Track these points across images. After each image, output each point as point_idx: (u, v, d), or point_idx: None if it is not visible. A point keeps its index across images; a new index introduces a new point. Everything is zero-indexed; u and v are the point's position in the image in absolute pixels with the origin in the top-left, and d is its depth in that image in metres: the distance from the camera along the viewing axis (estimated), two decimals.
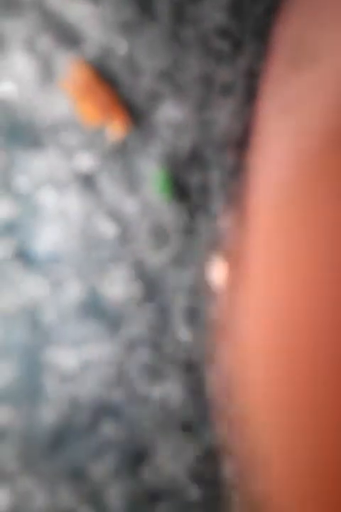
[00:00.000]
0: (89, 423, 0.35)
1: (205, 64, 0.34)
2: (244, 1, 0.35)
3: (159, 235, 0.34)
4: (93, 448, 0.35)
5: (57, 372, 0.34)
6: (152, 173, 0.34)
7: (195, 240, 0.35)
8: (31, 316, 0.34)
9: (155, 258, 0.34)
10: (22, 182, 0.33)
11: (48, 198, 0.34)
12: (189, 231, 0.35)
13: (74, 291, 0.34)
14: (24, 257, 0.34)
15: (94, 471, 0.35)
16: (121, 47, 0.34)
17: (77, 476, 0.35)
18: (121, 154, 0.34)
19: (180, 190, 0.35)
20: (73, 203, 0.34)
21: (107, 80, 0.33)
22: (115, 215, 0.34)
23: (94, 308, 0.34)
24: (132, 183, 0.34)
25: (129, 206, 0.34)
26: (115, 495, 0.35)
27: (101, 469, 0.35)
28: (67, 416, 0.34)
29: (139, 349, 0.35)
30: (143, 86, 0.34)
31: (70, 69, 0.33)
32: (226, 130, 0.35)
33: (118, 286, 0.34)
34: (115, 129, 0.33)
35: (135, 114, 0.34)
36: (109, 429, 0.35)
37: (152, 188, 0.34)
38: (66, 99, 0.33)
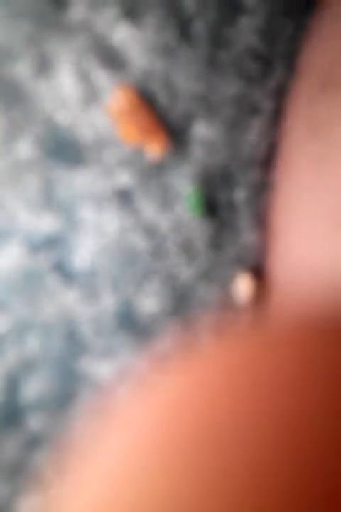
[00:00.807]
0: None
1: (237, 86, 0.35)
2: (274, 23, 0.36)
3: (189, 251, 0.35)
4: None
5: (90, 382, 0.35)
6: (185, 191, 0.35)
7: (221, 255, 0.36)
8: (67, 327, 0.34)
9: (185, 273, 0.35)
10: (63, 197, 0.34)
11: (88, 213, 0.34)
12: (216, 247, 0.36)
13: (108, 304, 0.35)
14: (62, 269, 0.34)
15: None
16: (160, 69, 0.34)
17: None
18: (157, 173, 0.35)
19: (209, 207, 0.35)
20: (111, 218, 0.34)
21: (146, 100, 0.34)
22: (149, 231, 0.35)
23: (127, 320, 0.35)
24: (166, 200, 0.35)
25: (163, 222, 0.35)
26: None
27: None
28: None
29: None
30: (179, 107, 0.35)
31: (114, 91, 0.33)
32: (253, 149, 0.36)
33: (150, 300, 0.35)
34: (152, 148, 0.34)
35: (171, 134, 0.35)
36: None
37: (185, 206, 0.35)
38: (108, 119, 0.34)
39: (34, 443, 0.35)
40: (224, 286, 0.36)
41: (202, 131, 0.35)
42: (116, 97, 0.33)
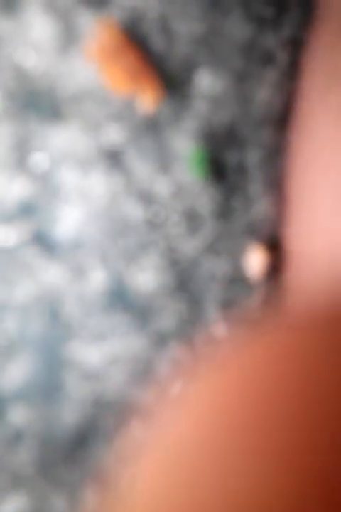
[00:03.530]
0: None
1: (246, 30, 0.23)
2: None
3: (192, 220, 0.23)
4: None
5: (79, 369, 0.23)
6: (186, 150, 0.23)
7: (230, 225, 0.24)
8: (50, 307, 0.23)
9: (188, 245, 0.23)
10: (40, 158, 0.22)
11: (70, 177, 0.22)
12: (224, 215, 0.24)
13: (98, 280, 0.23)
14: (42, 241, 0.23)
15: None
16: (154, 7, 0.22)
17: (101, 481, 0.24)
18: (152, 128, 0.23)
19: (215, 170, 0.23)
20: (98, 182, 0.23)
21: (137, 44, 0.22)
22: (144, 197, 0.23)
23: (120, 299, 0.23)
24: (164, 161, 0.23)
25: (160, 187, 0.23)
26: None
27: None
28: (90, 416, 0.23)
29: (170, 344, 0.23)
30: (178, 52, 0.23)
31: (95, 30, 0.22)
32: (266, 105, 0.24)
33: (146, 275, 0.23)
34: (146, 100, 0.22)
35: (168, 84, 0.23)
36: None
37: (185, 167, 0.23)
38: (91, 65, 0.22)
39: (17, 438, 0.23)
40: (233, 260, 0.24)
41: (205, 81, 0.23)
42: (97, 37, 0.21)
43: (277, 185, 0.24)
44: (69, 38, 0.22)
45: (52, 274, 0.23)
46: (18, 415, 0.23)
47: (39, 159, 0.22)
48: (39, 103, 0.22)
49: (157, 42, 0.23)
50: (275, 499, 0.11)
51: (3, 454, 0.24)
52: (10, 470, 0.24)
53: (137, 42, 0.22)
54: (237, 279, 0.24)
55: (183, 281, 0.24)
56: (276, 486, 0.11)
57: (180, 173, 0.23)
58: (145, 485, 0.13)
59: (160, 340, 0.24)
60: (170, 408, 0.13)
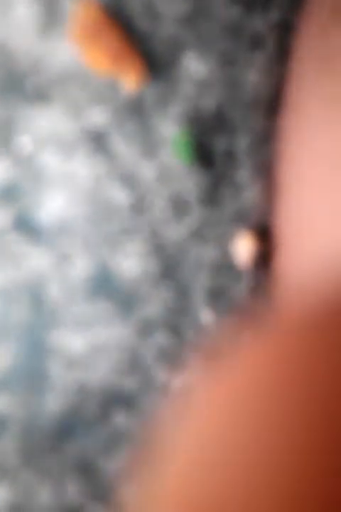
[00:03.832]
0: (99, 413, 0.23)
1: (233, 11, 0.22)
2: None
3: (179, 205, 0.23)
4: (103, 440, 0.23)
5: (62, 357, 0.22)
6: (171, 134, 0.22)
7: (218, 211, 0.23)
8: (33, 294, 0.22)
9: (174, 231, 0.23)
10: (22, 141, 0.21)
11: (52, 160, 0.22)
12: (212, 202, 0.23)
13: (82, 266, 0.22)
14: (25, 226, 0.22)
15: (105, 466, 0.23)
16: None
17: (86, 470, 0.23)
18: (136, 111, 0.22)
19: (202, 155, 0.23)
20: (81, 165, 0.22)
21: (121, 24, 0.21)
22: (129, 181, 0.22)
23: (104, 286, 0.22)
24: (149, 144, 0.22)
25: (145, 171, 0.22)
26: (128, 491, 0.24)
27: (112, 463, 0.23)
28: (74, 405, 0.23)
29: (155, 332, 0.23)
30: (163, 33, 0.22)
31: (78, 9, 0.21)
32: (255, 89, 0.23)
33: (132, 262, 0.22)
34: (129, 81, 0.21)
35: (152, 66, 0.22)
36: (121, 419, 0.23)
37: (171, 152, 0.22)
38: (73, 45, 0.21)
39: (0, 427, 0.23)
40: (221, 247, 0.23)
41: (191, 64, 0.22)
42: (79, 16, 0.21)
43: (266, 171, 0.24)
44: (51, 18, 0.21)
45: (34, 260, 0.22)
46: (1, 403, 0.23)
47: (21, 142, 0.21)
48: (21, 85, 0.21)
49: (141, 22, 0.22)
50: (278, 498, 0.11)
51: None
52: None
53: (120, 22, 0.22)
54: (225, 266, 0.23)
55: (169, 268, 0.23)
56: (277, 486, 0.11)
57: (166, 157, 0.22)
58: (172, 484, 0.13)
59: (146, 329, 0.23)
60: (181, 408, 0.13)
